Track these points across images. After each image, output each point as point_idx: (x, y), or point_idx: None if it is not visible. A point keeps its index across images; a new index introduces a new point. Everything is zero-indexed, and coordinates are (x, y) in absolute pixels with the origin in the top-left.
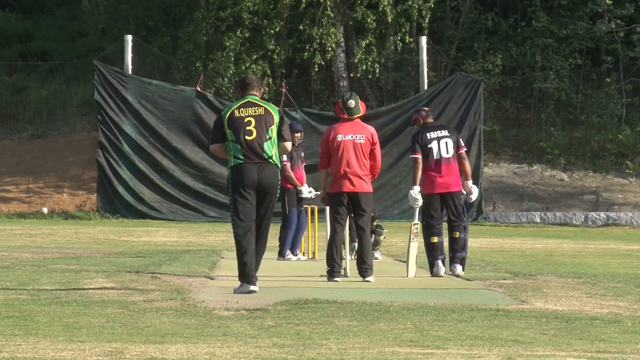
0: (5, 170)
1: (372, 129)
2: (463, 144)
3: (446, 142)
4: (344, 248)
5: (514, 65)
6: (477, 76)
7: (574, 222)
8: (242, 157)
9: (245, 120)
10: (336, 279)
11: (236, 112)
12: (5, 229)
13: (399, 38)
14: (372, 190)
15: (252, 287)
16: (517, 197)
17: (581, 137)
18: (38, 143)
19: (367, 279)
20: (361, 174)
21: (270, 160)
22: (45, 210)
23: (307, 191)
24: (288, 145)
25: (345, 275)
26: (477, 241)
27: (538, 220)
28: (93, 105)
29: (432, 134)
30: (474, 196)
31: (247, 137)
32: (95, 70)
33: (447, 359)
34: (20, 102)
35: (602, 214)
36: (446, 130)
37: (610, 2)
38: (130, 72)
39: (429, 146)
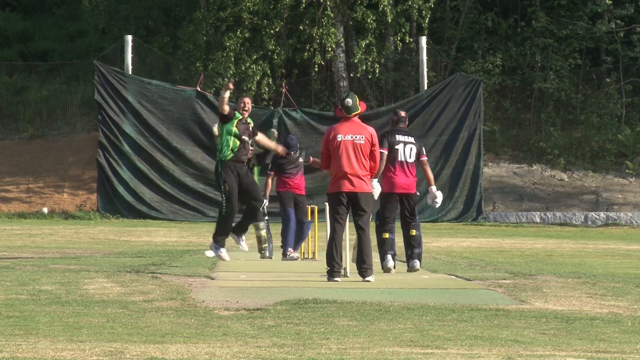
0: (5, 170)
1: (372, 130)
2: (424, 154)
3: (410, 148)
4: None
5: (513, 65)
6: (477, 76)
7: (574, 222)
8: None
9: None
10: (336, 279)
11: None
12: (6, 229)
13: (399, 38)
14: (371, 191)
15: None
16: (517, 197)
17: (581, 137)
18: (38, 143)
19: (367, 279)
20: (361, 174)
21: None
22: (45, 210)
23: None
24: None
25: (345, 275)
26: (477, 241)
27: (538, 220)
28: (93, 105)
29: (400, 137)
30: (439, 200)
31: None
32: (95, 70)
33: (447, 359)
34: (20, 102)
35: (602, 214)
36: (412, 138)
37: (610, 2)
38: (130, 72)
39: (395, 147)
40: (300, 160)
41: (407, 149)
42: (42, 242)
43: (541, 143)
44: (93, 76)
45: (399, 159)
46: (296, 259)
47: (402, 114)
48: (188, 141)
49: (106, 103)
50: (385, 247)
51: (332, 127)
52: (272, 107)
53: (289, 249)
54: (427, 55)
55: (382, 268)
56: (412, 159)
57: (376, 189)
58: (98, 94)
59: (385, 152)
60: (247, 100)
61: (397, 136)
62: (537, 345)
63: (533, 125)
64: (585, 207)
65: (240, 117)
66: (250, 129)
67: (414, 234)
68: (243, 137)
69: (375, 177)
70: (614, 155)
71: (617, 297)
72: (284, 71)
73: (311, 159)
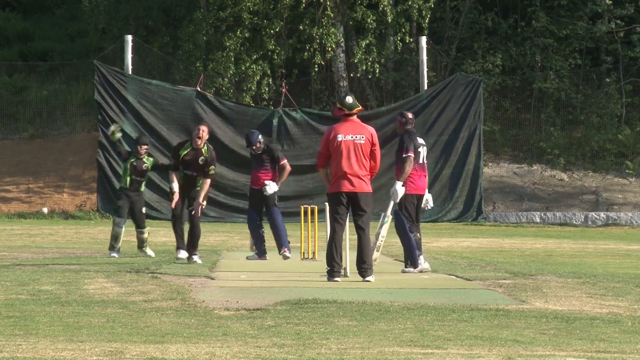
0: (5, 170)
1: (372, 130)
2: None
3: (425, 150)
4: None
5: (514, 65)
6: (477, 76)
7: (574, 222)
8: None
9: None
10: (336, 279)
11: None
12: (6, 229)
13: (399, 38)
14: (371, 191)
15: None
16: (517, 197)
17: (581, 137)
18: (38, 143)
19: (367, 279)
20: (361, 174)
21: None
22: (45, 210)
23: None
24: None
25: (345, 275)
26: (477, 241)
27: (538, 220)
28: (93, 105)
29: (420, 140)
30: (430, 204)
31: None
32: (95, 70)
33: (447, 359)
34: (20, 102)
35: (602, 214)
36: (424, 141)
37: (610, 2)
38: (130, 72)
39: (418, 150)
40: (265, 157)
41: (424, 151)
42: (42, 242)
43: (541, 143)
44: (93, 76)
45: (420, 161)
46: (289, 257)
47: (410, 115)
48: None
49: (106, 103)
50: (418, 248)
51: (332, 127)
52: (272, 107)
53: (284, 248)
54: (427, 55)
55: (415, 267)
56: (425, 161)
57: (400, 191)
58: (98, 94)
59: (412, 155)
60: (203, 127)
61: (417, 138)
62: (537, 345)
63: (533, 125)
64: (585, 207)
65: (191, 147)
66: (200, 161)
67: (418, 236)
68: (186, 172)
69: (400, 180)
70: (614, 155)
71: (617, 297)
72: (284, 71)
73: (284, 160)
